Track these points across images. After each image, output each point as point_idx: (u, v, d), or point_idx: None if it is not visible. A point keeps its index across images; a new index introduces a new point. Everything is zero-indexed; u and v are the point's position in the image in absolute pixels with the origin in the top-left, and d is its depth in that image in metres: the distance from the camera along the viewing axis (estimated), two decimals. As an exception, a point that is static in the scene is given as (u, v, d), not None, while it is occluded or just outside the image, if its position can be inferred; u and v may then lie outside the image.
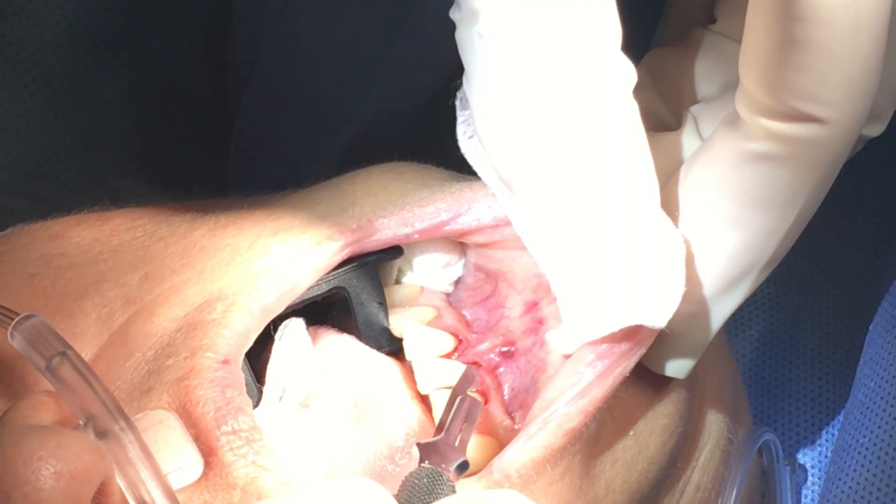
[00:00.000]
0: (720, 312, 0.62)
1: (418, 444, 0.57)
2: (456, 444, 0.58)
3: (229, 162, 0.95)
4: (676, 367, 0.64)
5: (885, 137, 0.63)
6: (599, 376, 0.59)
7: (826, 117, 0.54)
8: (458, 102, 0.64)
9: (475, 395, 0.62)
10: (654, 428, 0.65)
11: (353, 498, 0.49)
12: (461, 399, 0.60)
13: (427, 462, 0.56)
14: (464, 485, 0.58)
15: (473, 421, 0.60)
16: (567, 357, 0.62)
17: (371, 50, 0.84)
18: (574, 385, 0.59)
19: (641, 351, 0.61)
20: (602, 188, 0.57)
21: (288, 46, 0.86)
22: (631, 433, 0.64)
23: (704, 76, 0.67)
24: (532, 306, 0.66)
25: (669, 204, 0.60)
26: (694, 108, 0.66)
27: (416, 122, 0.85)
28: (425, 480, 0.54)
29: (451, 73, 0.62)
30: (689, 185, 0.60)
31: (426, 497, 0.53)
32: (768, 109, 0.55)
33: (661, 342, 0.62)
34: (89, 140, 0.89)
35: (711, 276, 0.60)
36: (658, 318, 0.58)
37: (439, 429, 0.59)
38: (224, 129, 0.94)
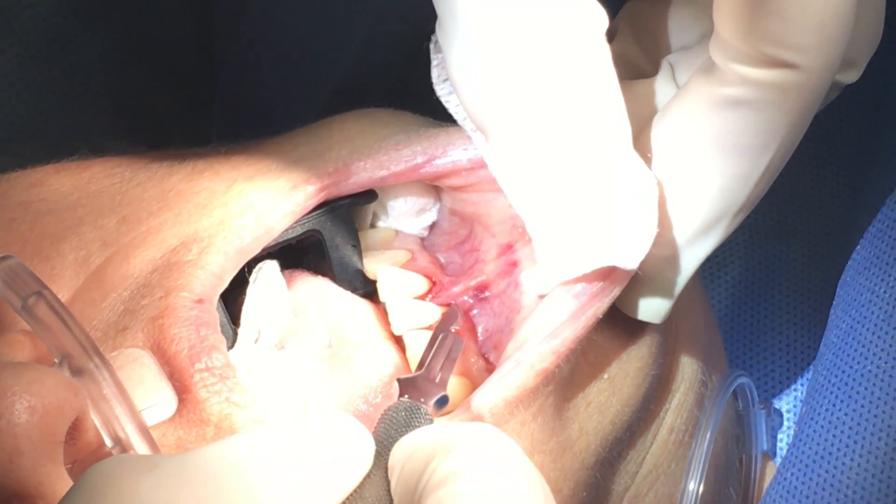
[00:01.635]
0: (694, 256, 0.62)
1: (398, 380, 0.58)
2: (437, 380, 0.58)
3: (214, 120, 0.95)
4: (650, 312, 0.64)
5: (859, 84, 0.63)
6: (572, 317, 0.60)
7: (799, 63, 0.55)
8: (431, 46, 0.64)
9: (457, 335, 0.63)
10: (627, 371, 0.65)
11: (331, 431, 0.50)
12: (443, 336, 0.61)
13: (406, 396, 0.57)
14: (441, 420, 0.58)
15: (455, 358, 0.61)
16: (541, 298, 0.62)
17: (351, 2, 0.84)
18: (547, 325, 0.60)
19: (615, 293, 0.61)
20: (573, 129, 0.58)
21: (270, 1, 0.87)
22: (605, 376, 0.65)
23: (682, 25, 0.67)
24: (506, 248, 0.67)
25: (644, 149, 0.61)
26: (671, 57, 0.66)
27: (399, 75, 0.85)
28: (403, 414, 0.55)
29: (432, 26, 0.62)
30: (664, 130, 0.61)
31: (404, 430, 0.54)
32: (742, 55, 0.56)
33: (635, 285, 0.63)
34: (74, 100, 0.89)
35: (685, 219, 0.61)
36: (630, 258, 0.58)
37: (420, 365, 0.60)
38: (209, 87, 0.94)
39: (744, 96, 0.56)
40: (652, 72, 0.66)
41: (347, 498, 0.50)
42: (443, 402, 0.57)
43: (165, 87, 0.93)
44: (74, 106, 0.89)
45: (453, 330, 0.63)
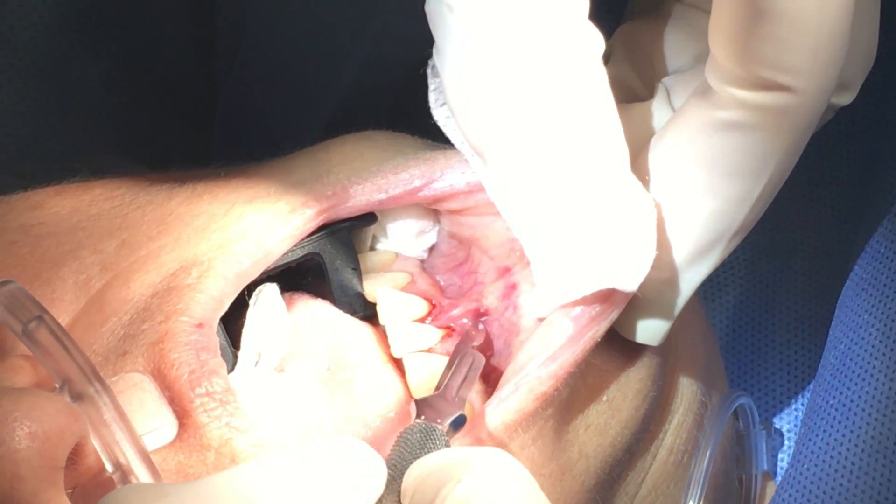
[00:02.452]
0: (691, 279, 0.62)
1: (415, 400, 0.58)
2: (454, 399, 0.58)
3: (214, 140, 0.95)
4: (648, 334, 0.64)
5: (858, 104, 0.63)
6: (570, 340, 0.60)
7: (794, 86, 0.55)
8: (429, 70, 0.64)
9: (477, 353, 0.63)
10: (626, 393, 0.66)
11: (342, 456, 0.50)
12: (462, 354, 0.61)
13: (423, 417, 0.57)
14: (456, 442, 0.58)
15: (474, 377, 0.61)
16: (540, 321, 0.62)
17: (349, 25, 0.84)
18: (545, 349, 0.60)
19: (613, 316, 0.61)
20: (570, 153, 0.58)
21: (270, 22, 0.87)
22: (604, 398, 0.65)
23: (676, 48, 0.67)
24: (505, 271, 0.67)
25: (641, 172, 0.61)
26: (666, 80, 0.67)
27: (398, 97, 0.85)
28: (418, 436, 0.55)
29: (430, 49, 0.62)
30: (660, 153, 0.61)
31: (418, 452, 0.54)
32: (737, 78, 0.56)
33: (633, 308, 0.63)
34: (75, 119, 0.89)
35: (682, 242, 0.61)
36: (629, 281, 0.59)
37: (439, 384, 0.60)
38: (209, 107, 0.94)
39: (739, 119, 0.57)
40: (647, 95, 0.67)
41: None
42: (459, 422, 0.57)
43: (166, 107, 0.93)
44: (76, 125, 0.89)
45: (474, 346, 0.63)
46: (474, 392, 0.64)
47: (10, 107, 0.86)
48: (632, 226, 0.58)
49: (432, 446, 0.54)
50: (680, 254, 0.61)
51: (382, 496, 0.51)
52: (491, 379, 0.65)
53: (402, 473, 0.52)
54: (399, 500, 0.51)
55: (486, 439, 0.59)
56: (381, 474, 0.51)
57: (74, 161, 0.74)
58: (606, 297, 0.60)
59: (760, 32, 0.54)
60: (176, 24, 0.91)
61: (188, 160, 0.76)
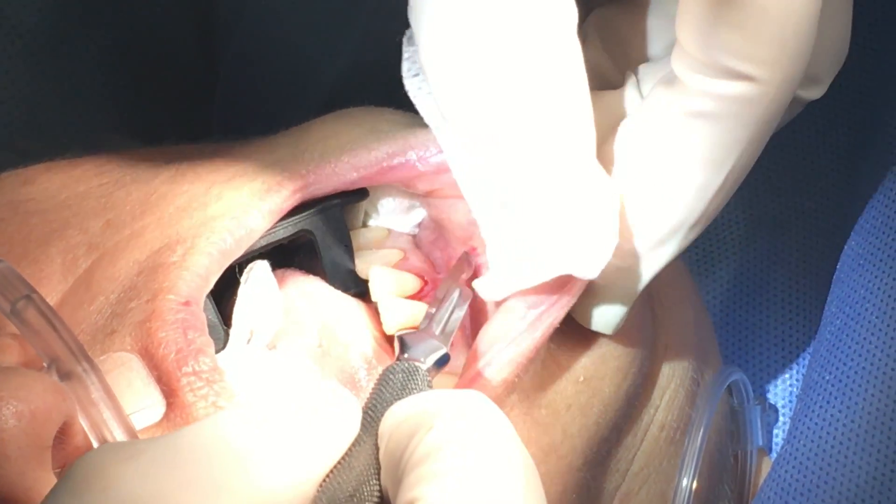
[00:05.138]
0: (649, 267, 0.62)
1: (398, 337, 0.57)
2: (440, 335, 0.58)
3: (213, 118, 0.95)
4: (603, 322, 0.64)
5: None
6: (529, 327, 0.60)
7: (758, 76, 0.54)
8: (405, 39, 0.63)
9: (466, 288, 0.62)
10: (605, 372, 0.65)
11: (315, 399, 0.50)
12: (449, 288, 0.61)
13: (406, 355, 0.56)
14: (440, 382, 0.58)
15: (460, 311, 0.60)
16: (497, 305, 0.62)
17: (345, 2, 0.84)
18: (504, 335, 0.60)
19: (571, 301, 0.61)
20: (537, 129, 0.57)
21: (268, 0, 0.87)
22: (580, 378, 0.64)
23: (651, 35, 0.66)
24: (471, 252, 0.67)
25: (606, 159, 0.60)
26: (639, 68, 0.66)
27: (393, 74, 0.85)
28: (400, 376, 0.54)
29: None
30: (625, 141, 0.60)
31: (399, 393, 0.53)
32: (702, 67, 0.55)
33: (589, 295, 0.62)
34: (73, 96, 0.89)
35: (641, 231, 0.60)
36: (590, 268, 0.58)
37: (425, 318, 0.59)
38: (208, 85, 0.94)
39: (703, 109, 0.56)
40: (619, 81, 0.66)
41: (336, 465, 0.49)
42: (443, 360, 0.56)
43: (165, 83, 0.93)
44: (74, 102, 0.89)
45: (463, 278, 0.62)
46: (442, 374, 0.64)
47: (9, 84, 0.86)
48: (594, 212, 0.57)
49: (414, 387, 0.53)
50: (638, 242, 0.60)
51: (360, 437, 0.50)
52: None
53: (381, 413, 0.51)
54: (377, 441, 0.50)
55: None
56: (355, 417, 0.50)
57: (72, 139, 0.74)
58: (564, 283, 0.60)
59: (726, 21, 0.53)
60: (174, 2, 0.91)
61: (186, 138, 0.76)
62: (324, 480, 0.49)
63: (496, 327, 0.61)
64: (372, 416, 0.51)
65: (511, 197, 0.58)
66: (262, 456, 0.47)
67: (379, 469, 0.50)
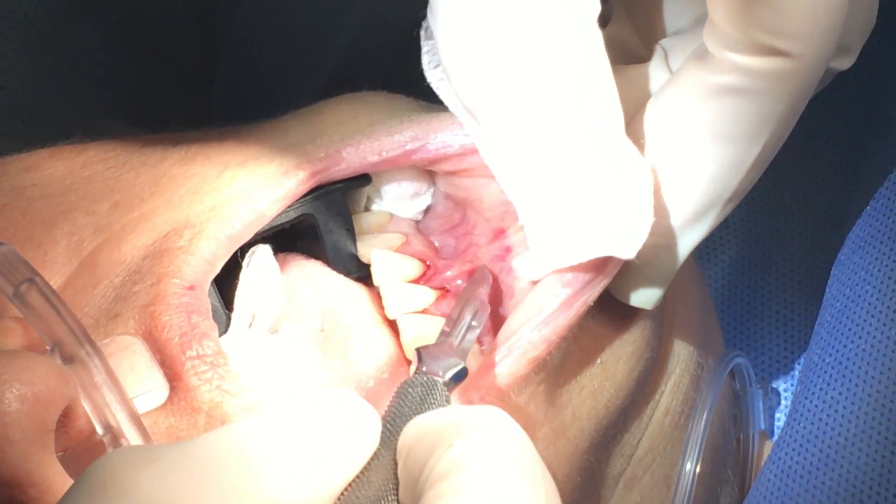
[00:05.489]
0: (686, 244, 0.62)
1: (417, 350, 0.57)
2: (457, 349, 0.58)
3: (213, 102, 0.95)
4: (643, 298, 0.64)
5: (857, 61, 0.63)
6: (563, 305, 0.60)
7: (792, 51, 0.55)
8: (422, 32, 0.64)
9: (484, 300, 0.62)
10: (620, 355, 0.65)
11: (335, 410, 0.50)
12: (466, 301, 0.61)
13: (424, 368, 0.56)
14: (456, 397, 0.58)
15: (478, 327, 0.60)
16: (534, 284, 0.62)
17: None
18: (538, 314, 0.60)
19: (606, 281, 0.61)
20: (565, 116, 0.57)
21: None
22: (598, 361, 0.65)
23: (677, 9, 0.66)
24: (499, 234, 0.67)
25: (637, 135, 0.60)
26: (664, 42, 0.66)
27: (394, 58, 0.85)
28: (419, 390, 0.54)
29: (426, 8, 0.62)
30: (656, 117, 0.60)
31: (418, 407, 0.53)
32: (735, 43, 0.55)
33: (628, 272, 0.62)
34: (72, 82, 0.89)
35: (677, 207, 0.60)
36: (627, 248, 0.58)
37: (443, 333, 0.59)
38: (209, 69, 0.93)
39: (736, 84, 0.56)
40: (646, 55, 0.66)
41: (354, 479, 0.49)
42: (461, 374, 0.56)
43: (165, 68, 0.93)
44: (73, 87, 0.89)
45: (482, 292, 0.62)
46: (470, 354, 0.64)
47: (6, 69, 0.85)
48: (629, 191, 0.58)
49: (432, 402, 0.53)
50: (674, 219, 0.61)
51: (378, 451, 0.50)
52: (486, 339, 0.65)
53: (400, 428, 0.51)
54: (395, 459, 0.50)
55: (477, 402, 0.58)
56: (375, 430, 0.50)
57: (72, 124, 0.74)
58: (601, 264, 0.60)
59: None
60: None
61: (187, 122, 0.76)
62: (341, 495, 0.48)
63: (530, 305, 0.61)
64: (390, 430, 0.51)
65: (543, 179, 0.58)
66: (279, 468, 0.47)
67: (397, 485, 0.50)
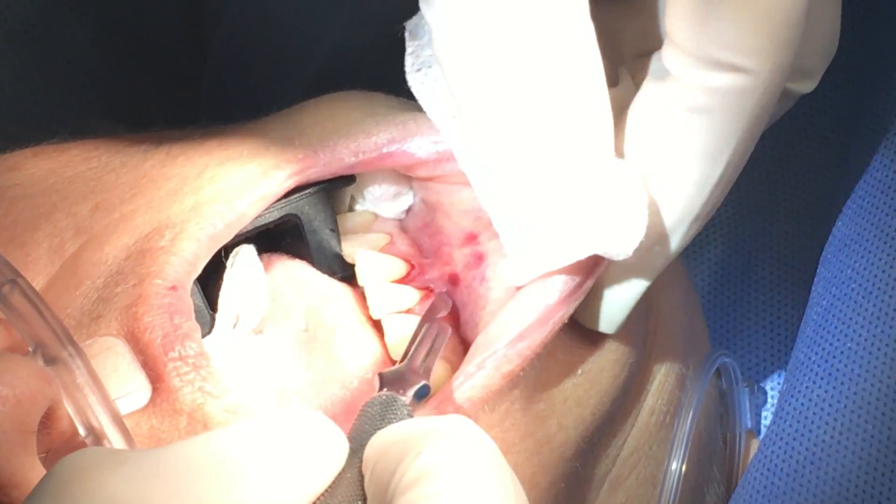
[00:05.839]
0: (655, 263, 0.62)
1: (379, 374, 0.57)
2: (419, 370, 0.58)
3: (201, 103, 0.94)
4: (606, 322, 0.64)
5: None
6: (539, 320, 0.60)
7: (750, 66, 0.55)
8: (406, 34, 0.63)
9: (443, 323, 0.62)
10: (603, 364, 0.65)
11: (304, 429, 0.49)
12: (428, 325, 0.60)
13: (385, 390, 0.56)
14: (420, 413, 0.58)
15: (439, 348, 0.60)
16: (514, 291, 0.62)
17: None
18: (514, 327, 0.60)
19: (580, 297, 0.61)
20: (560, 113, 0.57)
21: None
22: (579, 371, 0.64)
23: (642, 31, 0.66)
24: (471, 238, 0.66)
25: None
26: (629, 66, 0.66)
27: (382, 56, 0.85)
28: (378, 408, 0.54)
29: (416, 6, 0.62)
30: (619, 139, 0.60)
31: (379, 423, 0.53)
32: (694, 60, 0.56)
33: (591, 297, 0.63)
34: (61, 83, 0.89)
35: None
36: (624, 245, 0.58)
37: (404, 355, 0.59)
38: (197, 69, 0.93)
39: (697, 102, 0.57)
40: (613, 78, 0.66)
41: (320, 497, 0.49)
42: (423, 392, 0.56)
43: (153, 69, 0.92)
44: (61, 87, 0.89)
45: (440, 316, 0.62)
46: (442, 366, 0.63)
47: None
48: (622, 190, 0.58)
49: (393, 417, 0.53)
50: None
51: (344, 469, 0.50)
52: (458, 351, 0.65)
53: (364, 444, 0.51)
54: (361, 474, 0.50)
55: (452, 413, 0.58)
56: (342, 447, 0.50)
57: (59, 123, 0.74)
58: (589, 267, 0.60)
59: (717, 12, 0.54)
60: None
61: (175, 123, 0.75)
62: None
63: (505, 319, 0.61)
64: (353, 447, 0.51)
65: (535, 179, 0.58)
66: (250, 478, 0.46)
67: (364, 497, 0.50)
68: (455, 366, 0.63)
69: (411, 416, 0.54)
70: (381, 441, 0.50)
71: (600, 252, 0.59)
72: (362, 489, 0.50)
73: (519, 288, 0.62)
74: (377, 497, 0.49)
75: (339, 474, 0.50)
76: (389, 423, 0.53)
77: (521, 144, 0.58)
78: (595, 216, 0.58)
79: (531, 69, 0.57)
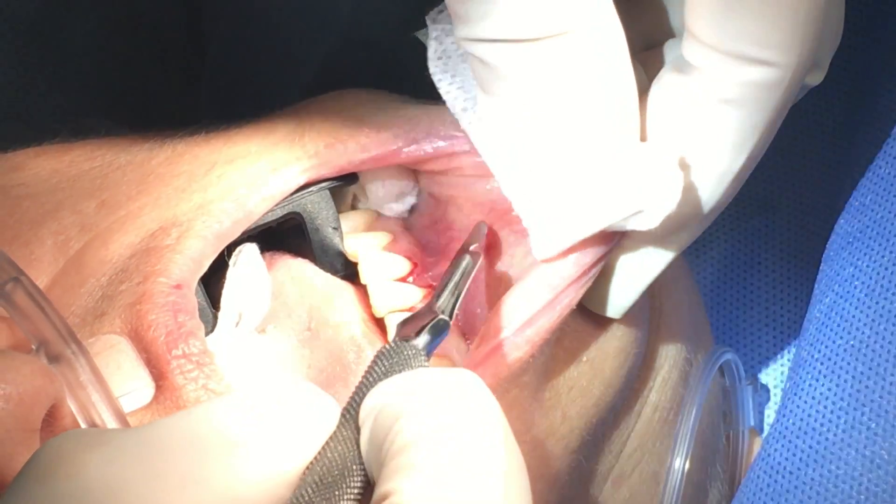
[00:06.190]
0: (667, 252, 0.62)
1: (400, 323, 0.54)
2: (441, 307, 0.55)
3: (202, 101, 0.94)
4: (614, 307, 0.64)
5: (841, 60, 0.63)
6: (547, 306, 0.60)
7: (776, 60, 0.55)
8: (429, 18, 0.63)
9: (476, 253, 0.61)
10: (607, 353, 0.65)
11: (289, 398, 0.48)
12: (457, 260, 0.60)
13: (397, 335, 0.52)
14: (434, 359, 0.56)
15: (467, 278, 0.59)
16: (544, 263, 0.62)
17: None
18: (522, 313, 0.60)
19: (588, 282, 0.61)
20: (593, 87, 0.57)
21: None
22: (584, 359, 0.65)
23: (650, 24, 0.66)
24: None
25: None
26: (643, 55, 0.66)
27: (387, 50, 0.85)
28: (384, 358, 0.51)
29: (420, 2, 0.62)
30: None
31: (384, 375, 0.50)
32: (719, 55, 0.56)
33: (602, 282, 0.63)
34: (60, 80, 0.89)
35: None
36: (660, 207, 0.58)
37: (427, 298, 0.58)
38: (197, 66, 0.93)
39: (724, 95, 0.57)
40: None
41: (315, 458, 0.47)
42: (440, 327, 0.52)
43: (154, 66, 0.92)
44: (61, 86, 0.89)
45: (472, 248, 0.61)
46: (454, 351, 0.63)
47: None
48: (657, 159, 0.58)
49: (400, 367, 0.50)
50: (658, 227, 0.60)
51: (338, 430, 0.48)
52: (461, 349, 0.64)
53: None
54: (356, 432, 0.48)
55: None
56: (332, 411, 0.48)
57: (59, 123, 0.73)
58: (598, 251, 0.60)
59: (742, 9, 0.54)
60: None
61: (176, 121, 0.75)
62: (305, 471, 0.47)
63: (513, 305, 0.60)
64: (356, 402, 0.49)
65: (565, 153, 0.58)
66: (227, 456, 0.45)
67: (360, 457, 0.48)
68: (455, 364, 0.63)
69: (421, 363, 0.51)
70: (377, 398, 0.48)
71: (634, 211, 0.58)
72: (358, 448, 0.48)
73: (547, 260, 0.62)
74: (373, 455, 0.47)
75: (333, 434, 0.48)
76: (397, 372, 0.50)
77: (552, 117, 0.58)
78: (630, 181, 0.58)
79: (567, 55, 0.57)
